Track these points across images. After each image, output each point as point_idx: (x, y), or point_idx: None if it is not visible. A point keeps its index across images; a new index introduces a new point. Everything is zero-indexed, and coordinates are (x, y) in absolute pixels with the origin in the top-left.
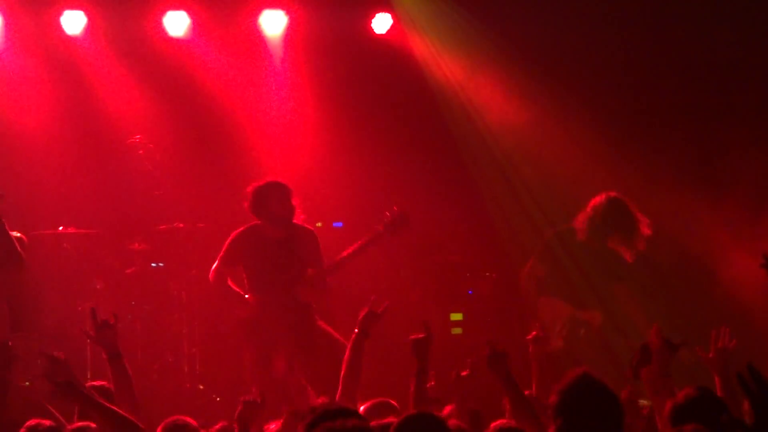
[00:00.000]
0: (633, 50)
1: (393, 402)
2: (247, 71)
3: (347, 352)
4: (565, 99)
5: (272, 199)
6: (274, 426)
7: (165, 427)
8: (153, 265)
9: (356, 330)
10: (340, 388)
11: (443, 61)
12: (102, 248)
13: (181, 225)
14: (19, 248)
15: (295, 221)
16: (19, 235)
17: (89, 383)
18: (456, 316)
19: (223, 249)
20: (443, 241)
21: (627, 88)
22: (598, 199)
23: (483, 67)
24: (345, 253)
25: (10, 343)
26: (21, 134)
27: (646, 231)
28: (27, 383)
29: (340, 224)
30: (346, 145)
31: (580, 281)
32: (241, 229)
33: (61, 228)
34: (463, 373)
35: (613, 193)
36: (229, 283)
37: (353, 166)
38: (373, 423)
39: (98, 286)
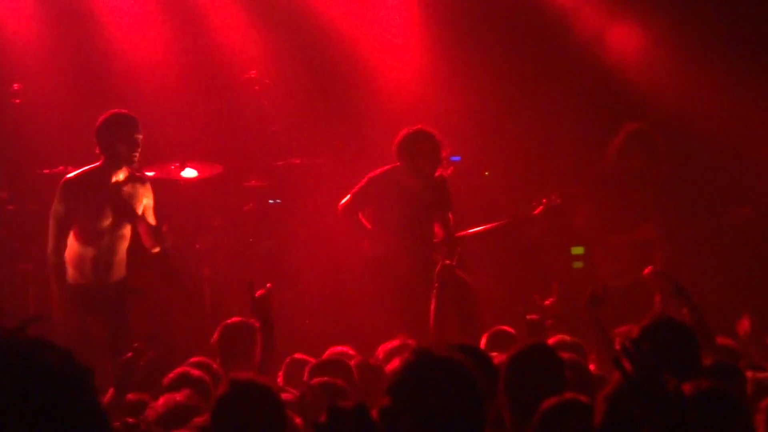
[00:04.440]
0: None
1: (510, 329)
2: (362, 2)
3: (433, 303)
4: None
5: (422, 152)
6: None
7: (289, 364)
8: (270, 201)
9: (436, 284)
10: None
11: None
12: (219, 185)
13: (298, 161)
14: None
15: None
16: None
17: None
18: (577, 250)
19: (358, 187)
20: (563, 175)
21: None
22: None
23: None
24: (487, 227)
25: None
26: (137, 72)
27: None
28: None
29: (458, 158)
30: (464, 77)
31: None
32: (380, 171)
33: (174, 165)
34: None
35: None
36: (360, 218)
37: (471, 99)
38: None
39: (215, 224)
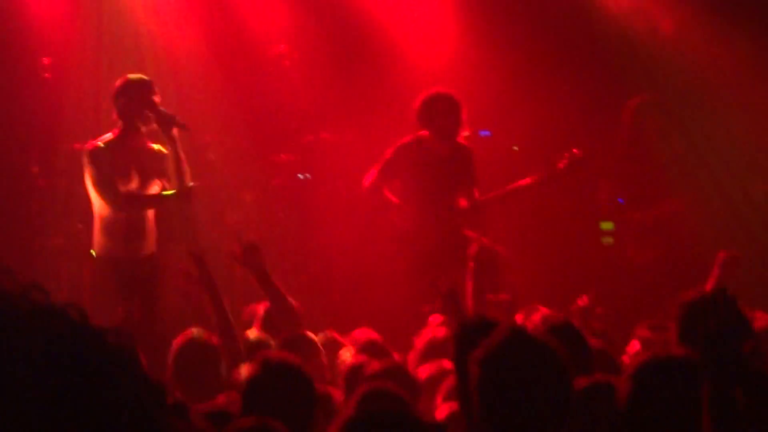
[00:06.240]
0: None
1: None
2: None
3: (469, 284)
4: None
5: (441, 111)
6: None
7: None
8: (299, 176)
9: (471, 263)
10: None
11: None
12: (248, 160)
13: (327, 136)
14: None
15: (459, 137)
16: None
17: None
18: (606, 225)
19: (384, 159)
20: (595, 152)
21: None
22: None
23: None
24: (512, 187)
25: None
26: (171, 53)
27: None
28: None
29: (487, 133)
30: (494, 54)
31: None
32: (405, 140)
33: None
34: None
35: None
36: (386, 193)
37: (502, 73)
38: None
39: (246, 198)
